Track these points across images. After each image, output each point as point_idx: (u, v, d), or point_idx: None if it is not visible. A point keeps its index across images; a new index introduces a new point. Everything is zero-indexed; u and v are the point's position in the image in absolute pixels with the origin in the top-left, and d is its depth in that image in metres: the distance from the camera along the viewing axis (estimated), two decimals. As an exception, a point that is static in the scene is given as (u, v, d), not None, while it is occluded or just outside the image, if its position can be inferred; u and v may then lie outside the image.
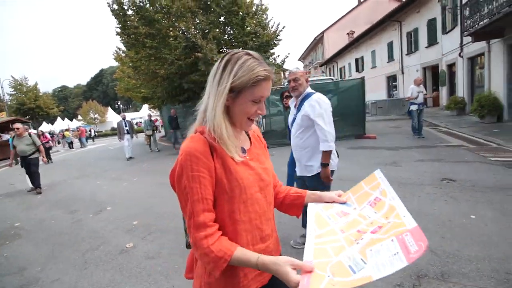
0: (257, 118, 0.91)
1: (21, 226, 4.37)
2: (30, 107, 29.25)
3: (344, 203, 0.93)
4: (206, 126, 0.84)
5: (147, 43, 10.72)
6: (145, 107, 31.39)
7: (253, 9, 11.44)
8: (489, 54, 9.52)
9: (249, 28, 10.96)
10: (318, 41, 31.15)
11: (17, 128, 6.17)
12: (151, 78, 11.87)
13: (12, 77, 29.68)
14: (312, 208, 0.94)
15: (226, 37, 11.76)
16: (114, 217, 4.23)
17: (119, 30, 11.09)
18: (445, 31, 12.50)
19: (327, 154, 2.27)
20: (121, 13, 10.80)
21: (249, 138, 0.98)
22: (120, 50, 13.88)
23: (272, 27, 11.83)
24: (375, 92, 20.56)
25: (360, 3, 27.04)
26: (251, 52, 0.85)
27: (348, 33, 25.93)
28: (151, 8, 10.63)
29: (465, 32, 9.61)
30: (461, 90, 11.70)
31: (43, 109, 30.37)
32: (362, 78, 9.19)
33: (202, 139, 0.82)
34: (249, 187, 0.84)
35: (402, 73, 17.21)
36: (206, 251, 0.77)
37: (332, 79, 10.39)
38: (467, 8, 9.01)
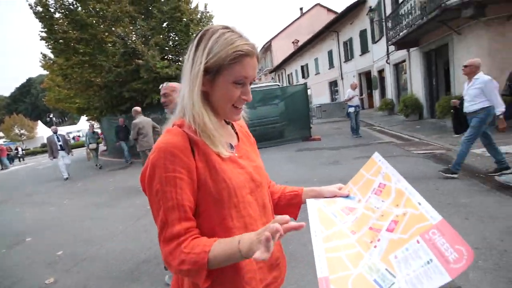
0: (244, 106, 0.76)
1: None
2: None
3: (346, 196, 0.84)
4: (185, 118, 0.70)
5: (80, 49, 9.76)
6: (84, 119, 28.48)
7: (198, 16, 11.29)
8: (409, 60, 10.92)
9: (194, 35, 10.74)
10: (267, 48, 32.21)
11: None
12: (85, 87, 10.81)
13: None
14: (312, 204, 0.81)
15: (170, 43, 11.36)
16: (33, 250, 3.62)
17: (44, 34, 9.89)
18: (374, 41, 13.99)
19: None
20: (47, 16, 9.66)
21: (236, 133, 0.84)
22: (46, 57, 12.36)
23: (218, 35, 11.80)
24: (319, 96, 21.98)
25: (302, 14, 28.86)
26: (230, 26, 0.71)
27: (293, 42, 27.37)
28: (83, 11, 9.72)
29: (389, 42, 10.87)
30: (390, 92, 13.19)
31: (-50, 127, 25.50)
32: (305, 84, 9.69)
33: (180, 133, 0.67)
34: (239, 188, 0.71)
35: (342, 78, 18.73)
36: (181, 257, 0.62)
37: (279, 85, 10.72)
38: (390, 21, 10.23)
